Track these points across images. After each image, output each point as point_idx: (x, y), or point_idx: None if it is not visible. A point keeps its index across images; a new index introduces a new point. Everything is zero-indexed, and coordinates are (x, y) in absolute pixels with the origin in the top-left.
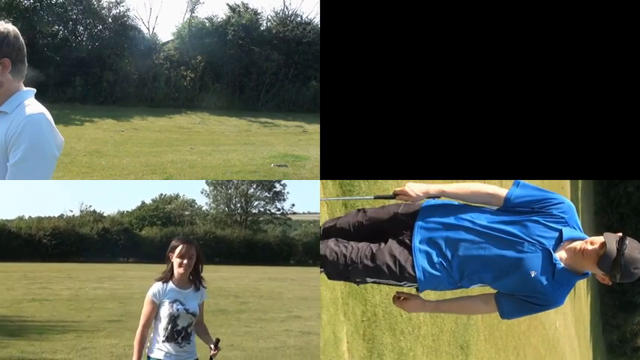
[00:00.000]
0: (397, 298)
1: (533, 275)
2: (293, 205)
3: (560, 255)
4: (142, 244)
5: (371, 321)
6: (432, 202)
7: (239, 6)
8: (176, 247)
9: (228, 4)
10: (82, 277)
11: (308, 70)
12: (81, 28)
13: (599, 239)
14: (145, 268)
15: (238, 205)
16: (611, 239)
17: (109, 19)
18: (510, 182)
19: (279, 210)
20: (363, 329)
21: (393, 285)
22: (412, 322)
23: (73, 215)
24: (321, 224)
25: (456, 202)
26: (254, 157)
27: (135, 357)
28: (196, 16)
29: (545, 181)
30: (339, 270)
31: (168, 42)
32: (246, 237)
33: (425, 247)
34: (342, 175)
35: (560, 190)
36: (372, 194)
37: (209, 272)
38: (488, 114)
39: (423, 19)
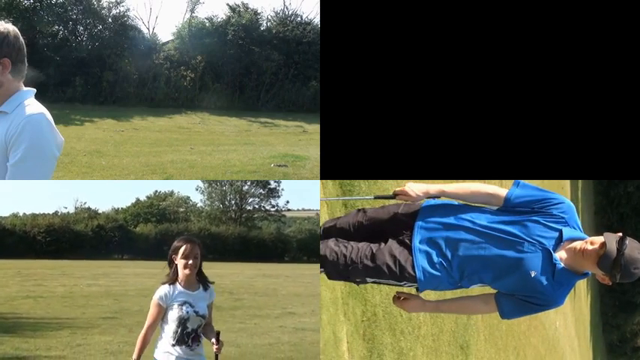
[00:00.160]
0: (397, 298)
1: (533, 275)
2: (287, 201)
3: (560, 255)
4: (136, 241)
5: (371, 321)
6: (432, 202)
7: (239, 6)
8: (179, 247)
9: (228, 4)
10: (76, 274)
11: (308, 70)
12: (81, 28)
13: (599, 239)
14: (139, 264)
15: (233, 201)
16: (611, 239)
17: (109, 19)
18: (510, 182)
19: (273, 207)
20: (363, 329)
21: (393, 285)
22: (412, 322)
23: (68, 212)
24: (321, 224)
25: (455, 202)
26: (254, 157)
27: (135, 356)
28: (196, 16)
29: (545, 181)
30: (339, 270)
31: (168, 42)
32: (241, 234)
33: (425, 247)
34: (342, 175)
35: (560, 190)
36: (372, 194)
37: (204, 269)
38: (488, 114)
39: (423, 19)
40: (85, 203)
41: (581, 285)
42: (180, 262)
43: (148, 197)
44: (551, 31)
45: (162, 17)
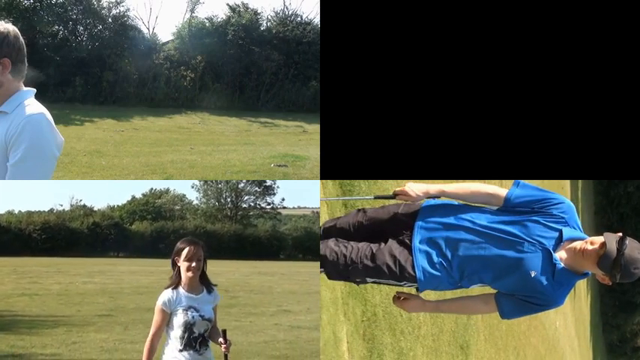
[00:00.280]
0: (397, 298)
1: (533, 275)
2: (283, 199)
3: (560, 255)
4: (132, 239)
5: (371, 321)
6: (432, 202)
7: (239, 6)
8: (182, 249)
9: (228, 4)
10: (72, 271)
11: (308, 70)
12: (81, 28)
13: (599, 239)
14: (135, 262)
15: (228, 199)
16: (611, 239)
17: (109, 19)
18: (510, 182)
19: (269, 204)
20: (363, 329)
21: (393, 285)
22: (412, 322)
23: (63, 210)
24: (321, 224)
25: (455, 202)
26: (254, 157)
27: None
28: (196, 16)
29: (545, 181)
30: (339, 270)
31: (168, 42)
32: (237, 231)
33: (425, 247)
34: (342, 175)
35: (560, 190)
36: (372, 194)
37: None
38: (488, 114)
39: (423, 19)
40: (81, 200)
41: (581, 285)
42: (183, 264)
43: (143, 195)
44: (550, 31)
45: (162, 17)
